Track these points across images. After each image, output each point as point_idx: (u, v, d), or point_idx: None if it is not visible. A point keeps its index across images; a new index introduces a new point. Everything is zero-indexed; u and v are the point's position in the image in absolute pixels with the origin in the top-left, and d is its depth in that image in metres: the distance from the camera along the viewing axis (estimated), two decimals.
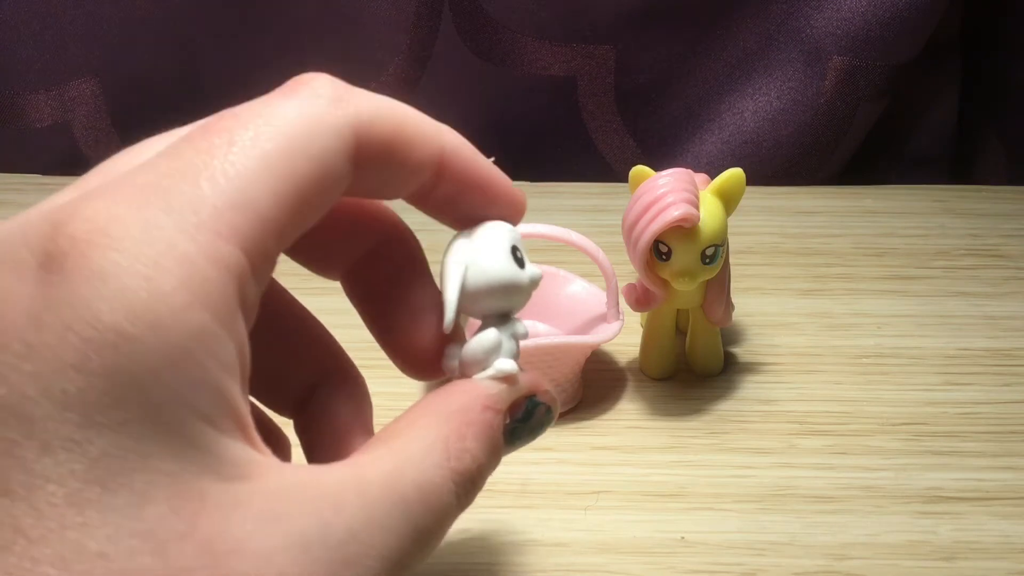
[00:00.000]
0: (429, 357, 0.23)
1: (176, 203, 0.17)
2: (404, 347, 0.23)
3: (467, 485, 0.20)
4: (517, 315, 0.23)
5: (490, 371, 0.22)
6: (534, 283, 0.23)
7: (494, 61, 0.55)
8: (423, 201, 0.22)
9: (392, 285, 0.23)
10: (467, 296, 0.22)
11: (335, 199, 0.20)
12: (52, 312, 0.16)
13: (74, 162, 0.58)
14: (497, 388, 0.22)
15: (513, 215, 0.23)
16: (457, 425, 0.21)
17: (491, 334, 0.22)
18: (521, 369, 0.22)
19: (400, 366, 0.24)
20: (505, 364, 0.22)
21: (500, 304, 0.23)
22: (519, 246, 0.23)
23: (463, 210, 0.23)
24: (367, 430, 0.24)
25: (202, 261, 0.17)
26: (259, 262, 0.18)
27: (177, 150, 0.18)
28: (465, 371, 0.23)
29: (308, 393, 0.24)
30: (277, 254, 0.19)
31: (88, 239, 0.16)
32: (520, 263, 0.22)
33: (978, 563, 0.31)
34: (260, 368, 0.19)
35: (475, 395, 0.22)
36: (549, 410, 0.23)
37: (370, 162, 0.20)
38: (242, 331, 0.18)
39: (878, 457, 0.35)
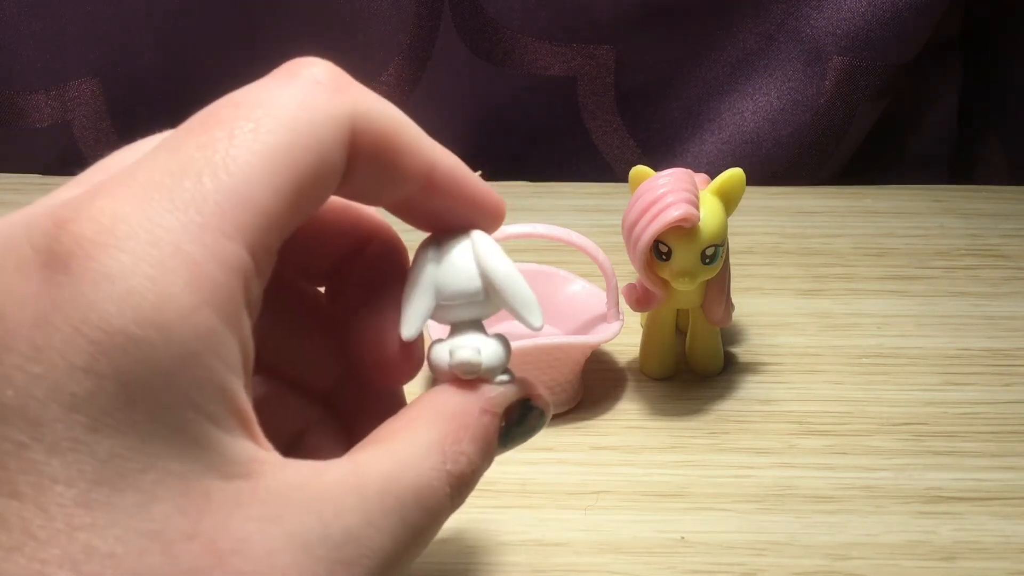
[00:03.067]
0: (396, 362, 0.23)
1: (179, 201, 0.17)
2: (373, 351, 0.23)
3: (461, 487, 0.21)
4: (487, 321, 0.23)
5: (501, 378, 0.22)
6: None
7: (494, 61, 0.55)
8: (406, 212, 0.22)
9: (372, 291, 0.23)
10: (437, 307, 0.22)
11: (330, 192, 0.20)
12: (59, 314, 0.16)
13: (74, 162, 0.58)
14: (496, 391, 0.22)
15: (494, 226, 0.23)
16: (454, 428, 0.21)
17: (476, 342, 0.22)
18: (514, 375, 0.23)
19: (366, 372, 0.23)
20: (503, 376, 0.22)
21: (469, 313, 0.22)
22: None
23: (444, 222, 0.22)
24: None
25: (208, 262, 0.17)
26: (262, 258, 0.18)
27: (177, 144, 0.18)
28: (444, 375, 0.22)
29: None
30: (278, 248, 0.19)
31: (93, 239, 0.16)
32: None
33: (978, 563, 0.31)
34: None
35: (473, 398, 0.22)
36: (542, 414, 0.23)
37: (359, 160, 0.20)
38: (247, 329, 0.18)
39: (878, 457, 0.35)
